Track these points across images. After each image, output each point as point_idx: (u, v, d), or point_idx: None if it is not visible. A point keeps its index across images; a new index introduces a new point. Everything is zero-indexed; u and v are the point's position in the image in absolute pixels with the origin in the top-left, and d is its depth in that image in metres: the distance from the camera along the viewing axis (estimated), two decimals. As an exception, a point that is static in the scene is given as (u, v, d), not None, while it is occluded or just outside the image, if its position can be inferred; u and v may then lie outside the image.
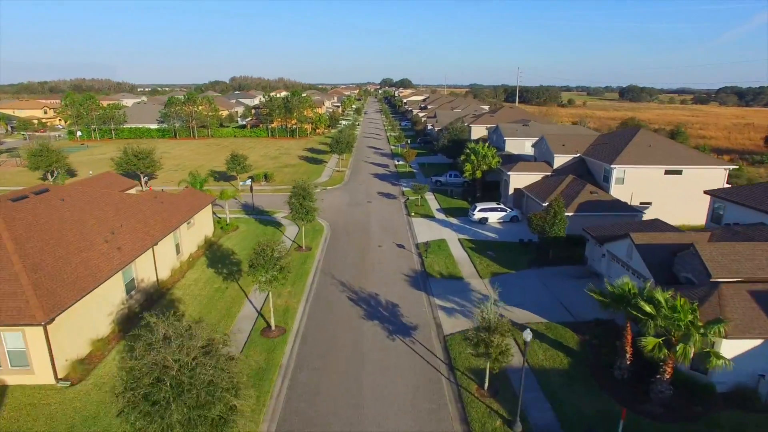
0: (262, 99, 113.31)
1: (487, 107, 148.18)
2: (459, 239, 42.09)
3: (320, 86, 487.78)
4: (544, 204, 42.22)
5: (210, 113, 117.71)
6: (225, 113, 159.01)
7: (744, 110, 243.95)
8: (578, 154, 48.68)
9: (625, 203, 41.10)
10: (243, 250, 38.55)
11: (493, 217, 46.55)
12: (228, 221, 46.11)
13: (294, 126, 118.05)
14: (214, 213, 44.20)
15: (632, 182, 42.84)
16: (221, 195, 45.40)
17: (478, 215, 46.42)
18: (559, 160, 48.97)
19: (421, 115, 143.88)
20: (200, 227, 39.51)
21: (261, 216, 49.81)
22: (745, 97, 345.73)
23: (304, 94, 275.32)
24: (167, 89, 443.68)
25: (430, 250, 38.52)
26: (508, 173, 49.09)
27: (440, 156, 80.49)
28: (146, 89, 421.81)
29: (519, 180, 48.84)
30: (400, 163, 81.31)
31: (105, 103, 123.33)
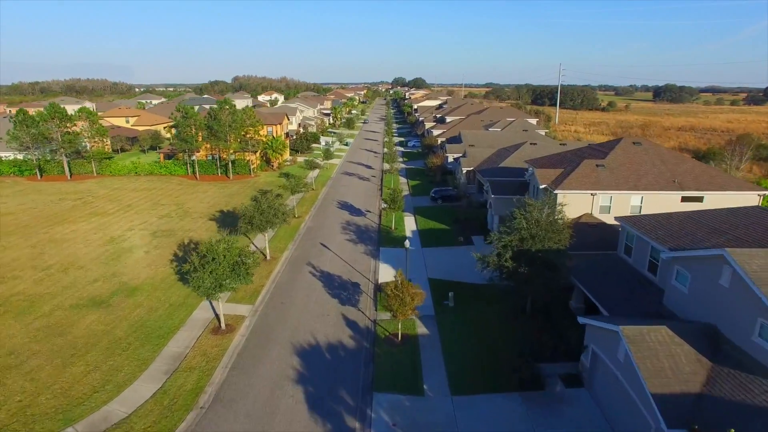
0: (175, 113, 67.02)
1: (534, 122, 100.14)
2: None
3: (326, 86, 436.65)
4: None
5: (93, 136, 72.05)
6: (159, 128, 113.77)
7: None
8: None
9: None
10: None
11: None
12: None
13: (228, 158, 71.67)
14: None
15: None
16: None
17: None
18: None
19: (435, 133, 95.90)
20: None
21: None
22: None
23: (300, 95, 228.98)
24: (170, 89, 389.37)
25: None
26: None
27: (488, 276, 31.21)
28: (141, 89, 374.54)
29: None
30: (383, 320, 32.54)
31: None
